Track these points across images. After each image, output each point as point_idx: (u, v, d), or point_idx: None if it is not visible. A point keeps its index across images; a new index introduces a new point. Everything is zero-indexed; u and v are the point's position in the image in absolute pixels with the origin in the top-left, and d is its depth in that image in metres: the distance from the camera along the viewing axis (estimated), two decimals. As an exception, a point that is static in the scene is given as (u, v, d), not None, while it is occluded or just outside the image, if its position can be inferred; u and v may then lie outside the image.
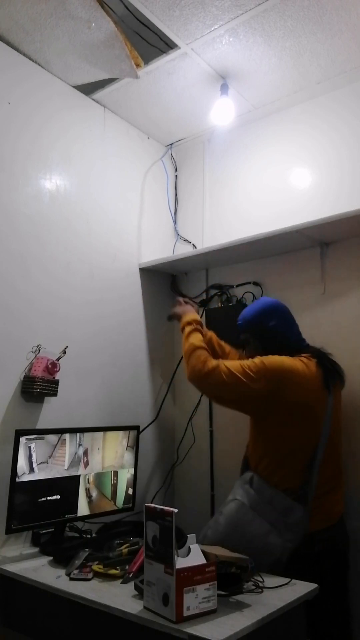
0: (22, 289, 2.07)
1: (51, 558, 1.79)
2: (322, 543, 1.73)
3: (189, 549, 1.34)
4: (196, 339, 1.96)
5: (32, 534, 1.93)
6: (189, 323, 2.05)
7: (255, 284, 2.47)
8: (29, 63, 2.21)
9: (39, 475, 1.84)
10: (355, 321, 2.15)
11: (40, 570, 1.69)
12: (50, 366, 2.02)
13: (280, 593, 1.46)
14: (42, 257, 2.16)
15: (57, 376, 2.06)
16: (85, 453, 2.01)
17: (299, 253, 2.34)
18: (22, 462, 1.79)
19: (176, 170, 2.93)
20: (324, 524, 1.76)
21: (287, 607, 1.40)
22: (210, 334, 2.21)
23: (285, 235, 2.15)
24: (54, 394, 2.05)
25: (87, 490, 2.01)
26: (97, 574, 1.61)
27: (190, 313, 2.13)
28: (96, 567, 1.63)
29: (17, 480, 1.78)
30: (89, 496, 2.01)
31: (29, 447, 1.83)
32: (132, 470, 2.19)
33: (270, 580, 1.53)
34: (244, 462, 1.95)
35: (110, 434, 2.12)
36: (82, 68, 2.25)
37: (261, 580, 1.52)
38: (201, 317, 2.61)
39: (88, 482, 2.01)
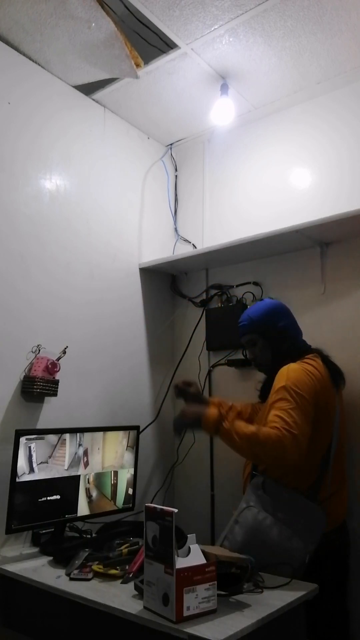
0: (22, 289, 2.07)
1: (51, 558, 1.79)
2: (326, 545, 1.71)
3: (189, 549, 1.34)
4: (239, 427, 1.67)
5: (32, 534, 1.93)
6: (214, 420, 1.70)
7: (255, 284, 2.47)
8: (29, 63, 2.21)
9: (39, 475, 1.84)
10: (355, 321, 2.15)
11: (40, 570, 1.69)
12: (50, 366, 2.02)
13: (280, 593, 1.46)
14: (42, 257, 2.16)
15: (57, 376, 2.06)
16: (85, 453, 2.01)
17: (299, 253, 2.34)
18: (22, 462, 1.79)
19: (176, 170, 2.93)
20: (332, 525, 1.75)
21: (287, 607, 1.40)
22: (229, 403, 2.08)
23: (285, 235, 2.15)
24: (54, 394, 2.05)
25: (87, 490, 2.01)
26: (97, 574, 1.61)
27: (199, 409, 1.77)
28: (96, 567, 1.63)
29: (17, 480, 1.78)
30: (89, 496, 2.01)
31: (29, 447, 1.83)
32: (132, 470, 2.19)
33: (270, 580, 1.53)
34: (252, 466, 1.86)
35: (110, 434, 2.12)
36: (82, 68, 2.25)
37: (261, 580, 1.52)
38: (201, 317, 2.63)
39: (88, 482, 2.01)
